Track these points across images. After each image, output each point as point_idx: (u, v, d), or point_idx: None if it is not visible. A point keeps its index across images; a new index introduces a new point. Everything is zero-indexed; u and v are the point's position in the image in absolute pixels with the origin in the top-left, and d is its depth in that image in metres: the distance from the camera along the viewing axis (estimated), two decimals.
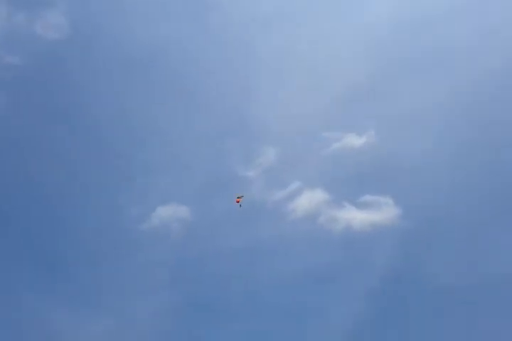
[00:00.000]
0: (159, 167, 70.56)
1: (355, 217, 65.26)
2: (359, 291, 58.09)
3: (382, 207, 66.02)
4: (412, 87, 76.11)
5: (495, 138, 67.56)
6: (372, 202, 66.66)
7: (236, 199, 45.05)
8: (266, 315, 56.72)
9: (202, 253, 61.47)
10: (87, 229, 62.27)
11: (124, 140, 72.71)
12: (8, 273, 56.64)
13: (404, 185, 67.74)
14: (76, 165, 68.98)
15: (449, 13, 79.38)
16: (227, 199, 65.91)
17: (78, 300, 55.94)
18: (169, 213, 63.62)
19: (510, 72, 72.31)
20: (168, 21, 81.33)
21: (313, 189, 67.71)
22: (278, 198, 67.27)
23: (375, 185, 68.62)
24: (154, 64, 79.46)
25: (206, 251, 61.41)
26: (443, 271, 56.72)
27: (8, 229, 61.07)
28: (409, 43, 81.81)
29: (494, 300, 52.33)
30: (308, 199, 66.38)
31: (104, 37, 78.89)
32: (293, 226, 64.64)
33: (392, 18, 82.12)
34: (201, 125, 74.63)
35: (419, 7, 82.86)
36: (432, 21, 80.00)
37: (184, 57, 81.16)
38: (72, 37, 75.65)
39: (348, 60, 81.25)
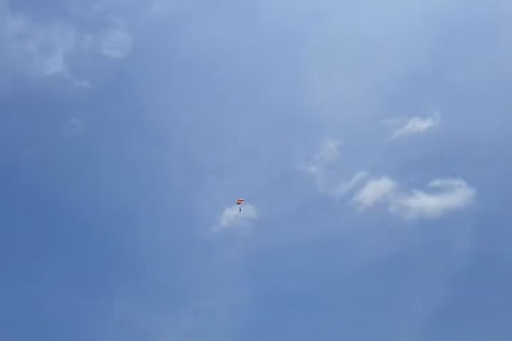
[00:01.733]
0: (225, 167, 72.08)
1: (426, 203, 63.40)
2: (438, 279, 56.71)
3: (454, 190, 63.70)
4: (477, 63, 72.13)
5: None
6: (443, 186, 64.46)
7: (237, 201, 44.76)
8: (343, 307, 56.95)
9: (273, 249, 62.48)
10: (162, 232, 65.27)
11: (190, 143, 74.73)
12: (94, 277, 61.04)
13: (476, 165, 64.84)
14: (148, 172, 71.93)
15: None
16: (292, 196, 66.89)
17: (159, 300, 59.12)
18: (237, 213, 65.44)
19: None
20: (221, 22, 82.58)
21: (380, 178, 66.44)
22: (343, 191, 66.70)
23: (444, 168, 66.17)
24: (213, 67, 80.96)
25: (277, 247, 62.39)
26: None
27: (89, 235, 65.34)
28: (471, 15, 77.53)
29: None
30: (376, 190, 65.22)
31: (165, 48, 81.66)
32: (362, 217, 63.87)
33: None
34: (261, 123, 75.22)
35: None
36: None
37: (241, 57, 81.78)
38: (135, 53, 79.01)
39: (404, 39, 78.61)
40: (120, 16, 79.15)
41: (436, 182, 64.77)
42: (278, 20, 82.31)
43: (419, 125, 69.78)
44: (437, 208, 62.71)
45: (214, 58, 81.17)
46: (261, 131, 74.73)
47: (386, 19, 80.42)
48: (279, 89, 78.17)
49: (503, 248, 56.39)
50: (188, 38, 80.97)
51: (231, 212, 64.78)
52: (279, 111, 76.45)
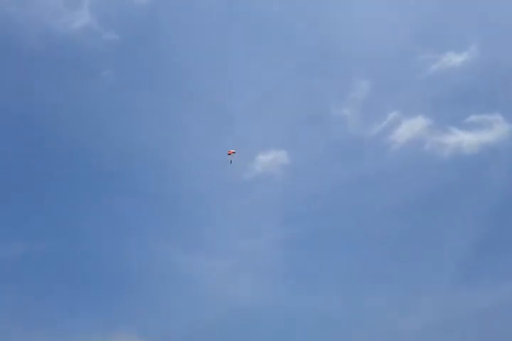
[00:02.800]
0: (253, 113, 71.10)
1: (462, 139, 62.19)
2: (474, 215, 56.51)
3: (491, 125, 62.07)
4: None
5: None
6: (480, 122, 62.83)
7: (229, 152, 41.92)
8: (379, 243, 57.52)
9: (307, 192, 62.77)
10: (197, 180, 66.03)
11: (217, 90, 73.36)
12: (139, 224, 63.10)
13: None
14: (179, 121, 70.80)
15: None
16: (324, 139, 66.20)
17: (199, 244, 60.62)
18: (269, 159, 65.35)
19: None
20: None
21: (414, 117, 65.03)
22: (377, 131, 65.63)
23: (481, 104, 64.23)
24: (238, 14, 77.72)
25: (311, 189, 62.65)
26: None
27: (130, 184, 66.52)
28: None
29: None
30: (410, 128, 64.01)
31: None
32: (397, 156, 63.27)
33: None
34: (288, 64, 72.89)
35: None
36: None
37: None
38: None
39: None
40: None
41: (473, 118, 63.25)
42: None
43: (455, 59, 67.09)
44: (474, 144, 61.56)
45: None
46: (289, 73, 72.58)
47: None
48: (307, 27, 74.81)
49: None
50: None
51: (264, 158, 65.04)
52: (307, 50, 73.53)
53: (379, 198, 60.63)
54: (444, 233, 56.44)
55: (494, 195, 57.03)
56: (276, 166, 65.42)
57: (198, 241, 60.66)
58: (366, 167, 62.68)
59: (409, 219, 58.33)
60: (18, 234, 57.56)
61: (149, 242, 59.84)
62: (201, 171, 66.82)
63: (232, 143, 68.74)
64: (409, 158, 62.54)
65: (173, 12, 74.79)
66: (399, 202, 59.13)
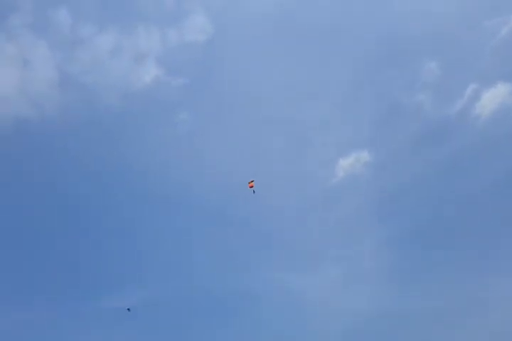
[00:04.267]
0: (328, 121, 70.44)
1: None
2: None
3: None
4: None
5: None
6: None
7: (249, 184, 40.49)
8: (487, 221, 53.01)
9: (397, 187, 60.38)
10: (285, 196, 66.79)
11: (289, 108, 73.90)
12: (240, 252, 64.99)
13: None
14: (259, 143, 72.55)
15: None
16: (403, 130, 63.22)
17: (299, 259, 61.13)
18: (351, 161, 64.45)
19: None
20: None
21: (493, 85, 59.95)
22: (457, 109, 61.50)
23: None
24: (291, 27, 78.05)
25: (401, 184, 60.11)
26: None
27: (224, 215, 68.68)
28: None
29: None
30: (492, 98, 58.96)
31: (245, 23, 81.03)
32: (485, 130, 58.50)
33: None
34: (355, 65, 71.69)
35: None
36: None
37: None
38: (218, 33, 79.51)
39: None
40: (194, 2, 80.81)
41: None
42: None
43: None
44: None
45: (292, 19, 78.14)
46: (355, 73, 71.06)
47: None
48: (365, 20, 72.32)
49: None
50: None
51: (345, 161, 64.27)
52: (367, 47, 71.25)
53: (475, 178, 56.27)
54: None
55: None
56: (360, 167, 64.34)
57: (298, 257, 61.09)
58: (454, 148, 58.70)
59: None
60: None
61: (256, 269, 61.50)
62: (288, 186, 67.62)
63: (312, 153, 69.44)
64: (499, 129, 57.24)
65: (229, 42, 78.10)
66: (497, 177, 54.21)
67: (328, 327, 53.07)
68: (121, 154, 68.13)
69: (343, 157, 66.15)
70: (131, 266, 62.36)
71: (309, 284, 58.29)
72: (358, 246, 59.27)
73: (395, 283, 54.92)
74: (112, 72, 71.34)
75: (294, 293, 57.82)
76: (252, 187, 37.57)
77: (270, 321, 55.96)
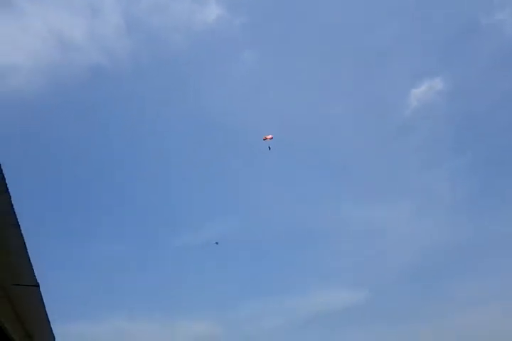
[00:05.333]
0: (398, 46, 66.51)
1: None
2: None
3: None
4: None
5: None
6: None
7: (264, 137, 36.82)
8: None
9: (475, 113, 59.70)
10: (360, 128, 65.61)
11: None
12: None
13: None
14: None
15: None
16: (481, 54, 58.87)
17: (374, 192, 61.86)
18: (424, 90, 60.65)
19: None
20: None
21: None
22: None
23: None
24: None
25: (478, 111, 59.23)
26: None
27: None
28: None
29: None
30: None
31: None
32: None
33: None
34: None
35: None
36: None
37: None
38: None
39: None
40: None
41: None
42: None
43: None
44: None
45: None
46: None
47: None
48: None
49: None
50: None
51: (417, 91, 60.84)
52: None
53: None
54: None
55: None
56: (434, 95, 61.31)
57: (373, 190, 61.50)
58: None
59: None
60: None
61: (328, 201, 61.84)
62: (360, 118, 65.74)
63: (382, 82, 65.10)
64: None
65: None
66: None
67: (400, 260, 54.10)
68: (189, 94, 67.99)
69: (415, 86, 64.12)
70: (208, 204, 64.10)
71: (381, 216, 58.86)
72: (432, 177, 59.23)
73: (471, 213, 55.81)
74: (175, 13, 69.88)
75: (365, 225, 58.93)
76: (267, 139, 33.66)
77: (341, 254, 57.41)
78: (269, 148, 32.95)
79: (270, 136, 33.49)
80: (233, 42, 70.26)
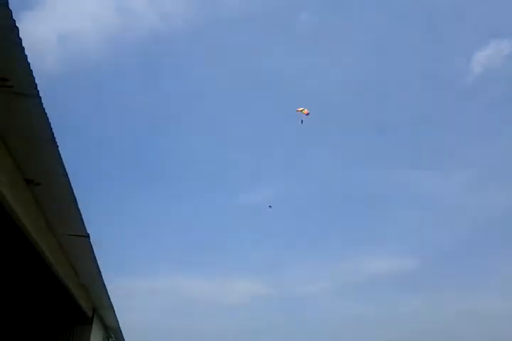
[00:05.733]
0: None
1: None
2: None
3: None
4: None
5: None
6: None
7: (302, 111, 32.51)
8: None
9: None
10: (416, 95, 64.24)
11: None
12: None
13: None
14: None
15: None
16: None
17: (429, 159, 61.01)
18: (490, 53, 57.32)
19: None
20: None
21: None
22: None
23: None
24: None
25: None
26: None
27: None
28: None
29: None
30: None
31: None
32: None
33: None
34: None
35: None
36: None
37: None
38: None
39: None
40: None
41: None
42: None
43: None
44: None
45: None
46: None
47: None
48: None
49: None
50: None
51: (482, 54, 57.71)
52: None
53: None
54: None
55: None
56: (501, 59, 57.99)
57: (432, 156, 60.43)
58: None
59: None
60: None
61: (384, 166, 61.34)
62: (418, 86, 63.11)
63: (441, 46, 60.38)
64: None
65: None
66: None
67: (459, 230, 53.61)
68: (244, 55, 68.43)
69: (480, 48, 61.81)
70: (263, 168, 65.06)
71: (440, 184, 59.00)
72: (495, 145, 57.68)
73: None
74: None
75: (424, 193, 58.69)
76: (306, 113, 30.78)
77: (393, 220, 57.66)
78: (302, 122, 30.27)
79: (306, 111, 30.60)
80: (290, 3, 67.62)
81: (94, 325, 14.91)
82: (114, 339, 19.77)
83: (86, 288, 13.12)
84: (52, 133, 5.81)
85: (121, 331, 19.85)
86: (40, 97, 5.14)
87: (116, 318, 16.96)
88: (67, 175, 6.71)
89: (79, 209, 7.83)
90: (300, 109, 30.37)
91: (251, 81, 66.56)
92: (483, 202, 55.25)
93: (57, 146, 6.08)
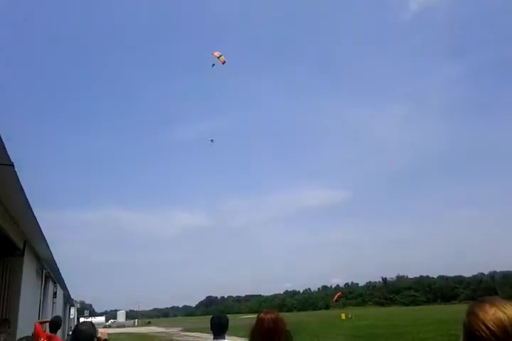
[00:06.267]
0: None
1: None
2: None
3: None
4: None
5: None
6: None
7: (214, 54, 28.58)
8: None
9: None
10: None
11: None
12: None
13: None
14: None
15: None
16: None
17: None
18: None
19: None
20: None
21: None
22: None
23: None
24: None
25: None
26: None
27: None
28: None
29: None
30: None
31: None
32: None
33: None
34: None
35: None
36: None
37: None
38: None
39: None
40: None
41: None
42: None
43: None
44: None
45: None
46: None
47: None
48: None
49: None
50: None
51: None
52: None
53: None
54: None
55: None
56: None
57: (367, 93, 61.52)
58: None
59: None
60: None
61: (323, 103, 62.67)
62: None
63: None
64: None
65: None
66: None
67: (390, 162, 56.93)
68: None
69: None
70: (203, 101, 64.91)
71: (373, 118, 61.97)
72: (426, 83, 60.36)
73: (458, 122, 57.82)
74: None
75: (355, 126, 61.84)
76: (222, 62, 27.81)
77: (329, 153, 60.90)
78: (213, 65, 27.21)
79: (223, 59, 27.30)
80: None
81: (25, 257, 14.74)
82: (48, 270, 19.76)
83: (15, 220, 12.75)
84: None
85: (55, 262, 19.83)
86: None
87: (50, 249, 16.85)
88: None
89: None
90: (216, 54, 27.56)
91: None
92: (410, 136, 58.93)
93: None
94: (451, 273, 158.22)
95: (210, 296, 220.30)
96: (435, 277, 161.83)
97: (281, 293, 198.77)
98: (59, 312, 28.89)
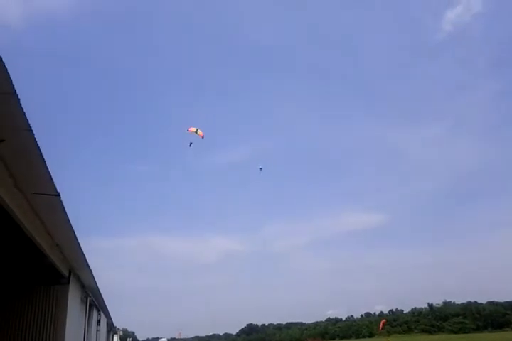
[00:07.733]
0: None
1: None
2: None
3: None
4: None
5: None
6: None
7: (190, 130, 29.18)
8: None
9: None
10: None
11: None
12: None
13: None
14: None
15: None
16: None
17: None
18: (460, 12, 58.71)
19: None
20: None
21: None
22: None
23: None
24: None
25: None
26: None
27: None
28: None
29: None
30: None
31: None
32: None
33: None
34: None
35: None
36: None
37: None
38: None
39: None
40: None
41: None
42: None
43: None
44: None
45: None
46: None
47: None
48: None
49: None
50: None
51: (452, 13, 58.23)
52: None
53: None
54: None
55: None
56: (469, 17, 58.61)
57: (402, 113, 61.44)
58: None
59: None
60: None
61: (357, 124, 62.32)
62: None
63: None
64: None
65: None
66: None
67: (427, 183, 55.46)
68: None
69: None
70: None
71: (408, 139, 61.67)
72: (465, 102, 59.46)
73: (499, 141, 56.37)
74: None
75: (391, 148, 61.57)
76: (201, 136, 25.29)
77: (369, 176, 60.39)
78: (190, 145, 26.36)
79: (201, 133, 25.64)
80: None
81: (71, 285, 15.03)
82: (92, 297, 20.04)
83: (61, 248, 13.09)
84: (13, 86, 5.58)
85: (99, 290, 20.11)
86: None
87: (93, 277, 17.12)
88: (31, 130, 6.51)
89: (46, 167, 7.66)
90: (193, 129, 25.93)
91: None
92: (450, 156, 58.11)
93: (19, 99, 5.86)
94: (500, 298, 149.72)
95: (251, 323, 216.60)
96: (484, 303, 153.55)
97: (323, 320, 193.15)
98: (103, 340, 29.10)
